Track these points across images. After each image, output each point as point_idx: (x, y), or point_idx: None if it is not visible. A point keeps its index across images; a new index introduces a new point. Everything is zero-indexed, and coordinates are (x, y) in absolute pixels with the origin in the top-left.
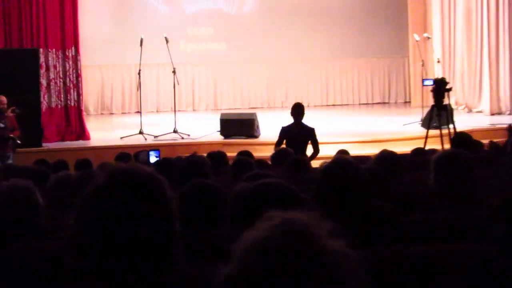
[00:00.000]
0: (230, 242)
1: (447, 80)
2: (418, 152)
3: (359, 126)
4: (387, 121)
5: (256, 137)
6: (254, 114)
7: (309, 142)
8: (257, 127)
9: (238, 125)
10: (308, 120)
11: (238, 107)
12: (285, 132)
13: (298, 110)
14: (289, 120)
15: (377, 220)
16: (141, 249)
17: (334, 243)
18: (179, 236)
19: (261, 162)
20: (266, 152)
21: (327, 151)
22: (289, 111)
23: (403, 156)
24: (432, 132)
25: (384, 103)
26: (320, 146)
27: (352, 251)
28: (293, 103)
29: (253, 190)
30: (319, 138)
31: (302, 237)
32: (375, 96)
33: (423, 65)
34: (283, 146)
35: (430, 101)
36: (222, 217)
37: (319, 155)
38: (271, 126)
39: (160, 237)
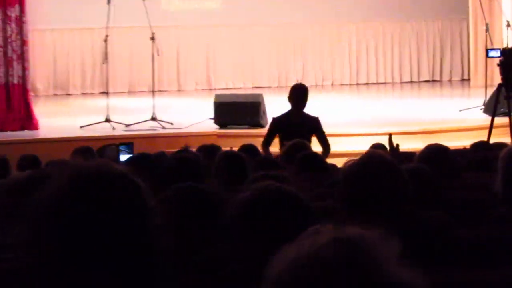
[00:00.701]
0: (228, 264)
1: None
2: (479, 146)
3: (399, 113)
4: (438, 105)
5: (263, 126)
6: (259, 96)
7: (312, 137)
8: (264, 113)
9: (238, 111)
10: (330, 104)
11: (238, 86)
12: (277, 125)
13: (298, 94)
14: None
15: (427, 235)
16: (112, 273)
17: (404, 272)
18: (163, 256)
19: (268, 160)
20: (275, 147)
21: (356, 146)
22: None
23: (460, 152)
24: (499, 120)
25: (434, 81)
26: (348, 139)
27: (425, 283)
28: (308, 81)
29: (252, 198)
30: (344, 129)
31: (363, 260)
32: (422, 72)
33: (487, 30)
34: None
35: (497, 79)
36: (219, 231)
37: (335, 151)
38: (282, 111)
39: (137, 257)
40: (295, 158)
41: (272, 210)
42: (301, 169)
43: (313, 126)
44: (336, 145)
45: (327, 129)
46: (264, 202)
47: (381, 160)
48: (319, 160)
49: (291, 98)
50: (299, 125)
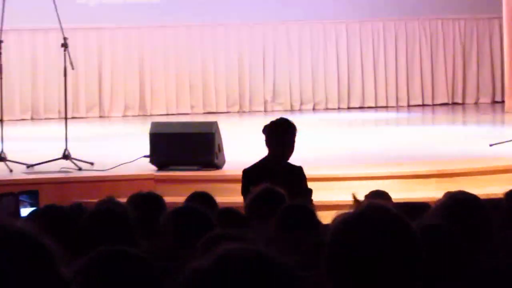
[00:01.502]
0: None
1: None
2: None
3: (407, 147)
4: (460, 138)
5: (218, 167)
6: (213, 125)
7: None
8: (220, 148)
9: (184, 146)
10: (312, 135)
11: (183, 111)
12: (251, 180)
13: (278, 133)
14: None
15: None
16: None
17: None
18: None
19: (229, 213)
20: (236, 196)
21: (348, 194)
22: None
23: (491, 202)
24: None
25: (455, 104)
26: (337, 185)
27: None
28: (283, 103)
29: (212, 267)
30: (331, 171)
31: None
32: (437, 93)
33: None
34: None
35: None
36: None
37: (319, 201)
38: (245, 145)
39: None
40: (273, 211)
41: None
42: (281, 226)
43: (295, 179)
44: (319, 194)
45: (308, 171)
46: (231, 275)
47: (384, 214)
48: (307, 215)
49: (268, 139)
50: (280, 178)
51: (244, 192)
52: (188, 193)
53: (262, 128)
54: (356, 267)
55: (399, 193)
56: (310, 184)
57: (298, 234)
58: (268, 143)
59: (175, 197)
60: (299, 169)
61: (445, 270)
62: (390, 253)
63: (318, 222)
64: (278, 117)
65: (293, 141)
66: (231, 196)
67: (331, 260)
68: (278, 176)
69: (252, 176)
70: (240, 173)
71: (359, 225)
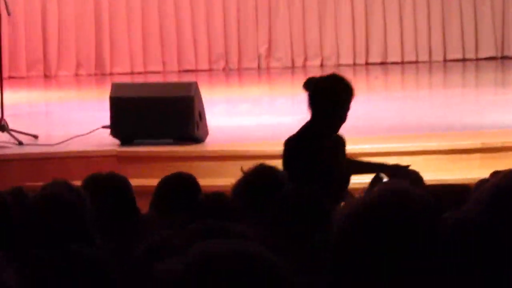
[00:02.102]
0: None
1: None
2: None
3: (441, 115)
4: (503, 102)
5: (199, 140)
6: (192, 86)
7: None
8: (201, 116)
9: (155, 113)
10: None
11: (153, 69)
12: (294, 153)
13: (339, 96)
14: (291, 108)
15: None
16: None
17: None
18: None
19: (217, 198)
20: (223, 177)
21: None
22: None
23: None
24: None
25: (504, 58)
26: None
27: None
28: (282, 59)
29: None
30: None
31: None
32: (481, 43)
33: None
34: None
35: None
36: None
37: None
38: (233, 112)
39: None
40: (267, 198)
41: None
42: (279, 218)
43: (341, 154)
44: None
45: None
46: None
47: (401, 206)
48: (314, 204)
49: (325, 104)
50: (333, 153)
51: (289, 167)
52: (161, 174)
53: (307, 84)
54: (367, 269)
55: (433, 173)
56: None
57: (300, 228)
58: (320, 107)
59: (144, 179)
60: (344, 140)
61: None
62: (414, 254)
63: (328, 213)
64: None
65: (347, 103)
66: (216, 177)
67: (337, 260)
68: (330, 149)
69: (297, 150)
70: (229, 148)
71: (373, 216)
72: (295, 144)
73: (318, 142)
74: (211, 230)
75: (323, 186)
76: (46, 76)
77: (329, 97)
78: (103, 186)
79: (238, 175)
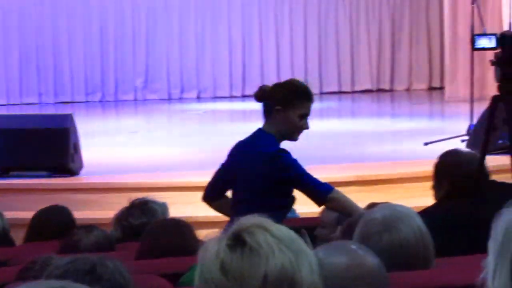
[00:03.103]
0: None
1: None
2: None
3: (316, 146)
4: (387, 134)
5: (74, 172)
6: (68, 118)
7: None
8: (76, 148)
9: (30, 144)
10: (197, 130)
11: (29, 100)
12: (226, 162)
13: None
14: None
15: None
16: None
17: None
18: None
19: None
20: (98, 210)
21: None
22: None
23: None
24: (495, 160)
25: (380, 91)
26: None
27: None
28: (158, 91)
29: None
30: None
31: None
32: (358, 76)
33: (474, 1)
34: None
35: (490, 88)
36: None
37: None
38: (109, 145)
39: None
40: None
41: None
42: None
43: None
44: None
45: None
46: None
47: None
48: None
49: (268, 104)
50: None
51: (211, 185)
52: (36, 206)
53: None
54: None
55: (306, 206)
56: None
57: None
58: (264, 110)
59: (18, 212)
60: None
61: None
62: None
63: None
64: (155, 106)
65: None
66: (91, 210)
67: None
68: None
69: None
70: (104, 180)
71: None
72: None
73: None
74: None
75: None
76: None
77: (287, 93)
78: None
79: (114, 207)
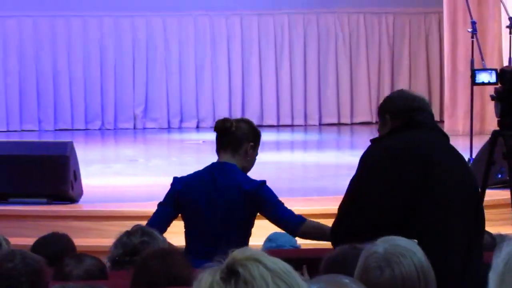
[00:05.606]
0: None
1: None
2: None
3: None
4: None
5: (73, 200)
6: (67, 146)
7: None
8: (76, 175)
9: (30, 172)
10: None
11: (29, 127)
12: (181, 193)
13: (228, 135)
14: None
15: None
16: None
17: None
18: None
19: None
20: (97, 238)
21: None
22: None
23: None
24: (494, 194)
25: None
26: None
27: None
28: (158, 119)
29: None
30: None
31: None
32: (356, 108)
33: (474, 34)
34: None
35: (490, 122)
36: None
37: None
38: (108, 173)
39: None
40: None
41: None
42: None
43: (255, 200)
44: None
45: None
46: None
47: None
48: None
49: (222, 139)
50: (223, 196)
51: (157, 215)
52: (36, 234)
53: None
54: None
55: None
56: None
57: None
58: (217, 144)
59: (17, 239)
60: (261, 183)
61: None
62: None
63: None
64: (154, 135)
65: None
66: (90, 238)
67: None
68: (222, 192)
69: (178, 189)
70: (102, 208)
71: None
72: (176, 181)
73: (196, 178)
74: None
75: None
76: None
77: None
78: None
79: (113, 235)
